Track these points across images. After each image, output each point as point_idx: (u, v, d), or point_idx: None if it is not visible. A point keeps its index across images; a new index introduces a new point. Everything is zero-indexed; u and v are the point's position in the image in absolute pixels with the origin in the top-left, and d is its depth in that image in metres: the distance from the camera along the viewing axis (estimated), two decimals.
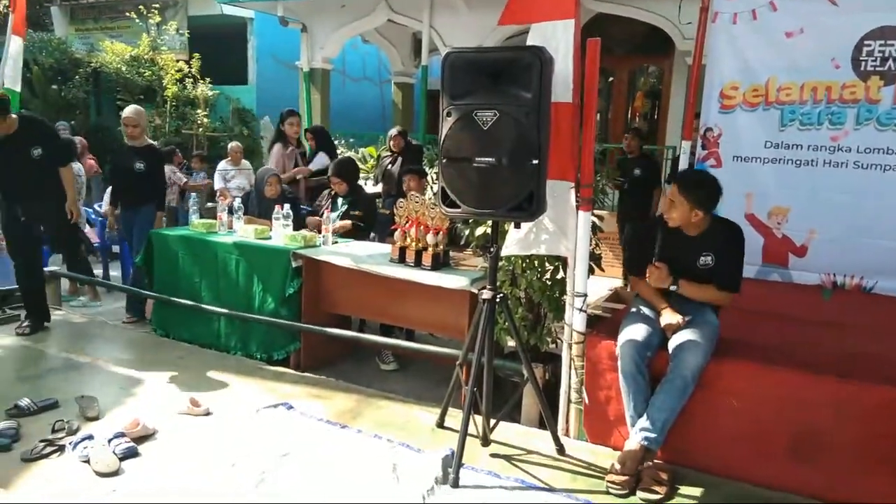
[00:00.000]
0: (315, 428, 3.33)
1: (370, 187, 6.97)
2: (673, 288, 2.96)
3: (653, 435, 2.80)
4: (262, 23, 11.47)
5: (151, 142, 5.37)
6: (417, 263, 3.93)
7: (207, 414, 3.42)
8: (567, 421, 3.25)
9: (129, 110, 5.21)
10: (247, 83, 12.17)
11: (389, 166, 6.55)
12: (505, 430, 3.25)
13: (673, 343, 2.88)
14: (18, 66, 5.03)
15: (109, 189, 5.75)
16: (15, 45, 4.82)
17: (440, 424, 3.34)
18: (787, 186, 4.00)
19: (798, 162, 3.98)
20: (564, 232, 3.13)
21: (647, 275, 2.98)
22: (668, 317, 2.94)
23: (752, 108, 4.05)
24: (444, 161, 2.87)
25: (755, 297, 3.73)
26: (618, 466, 2.80)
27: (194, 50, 11.35)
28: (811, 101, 3.92)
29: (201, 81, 10.99)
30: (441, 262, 3.93)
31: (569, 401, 3.22)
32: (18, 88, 5.09)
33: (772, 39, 3.96)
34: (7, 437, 3.03)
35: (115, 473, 2.81)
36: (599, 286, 4.36)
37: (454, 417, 3.32)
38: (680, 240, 3.01)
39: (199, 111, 10.81)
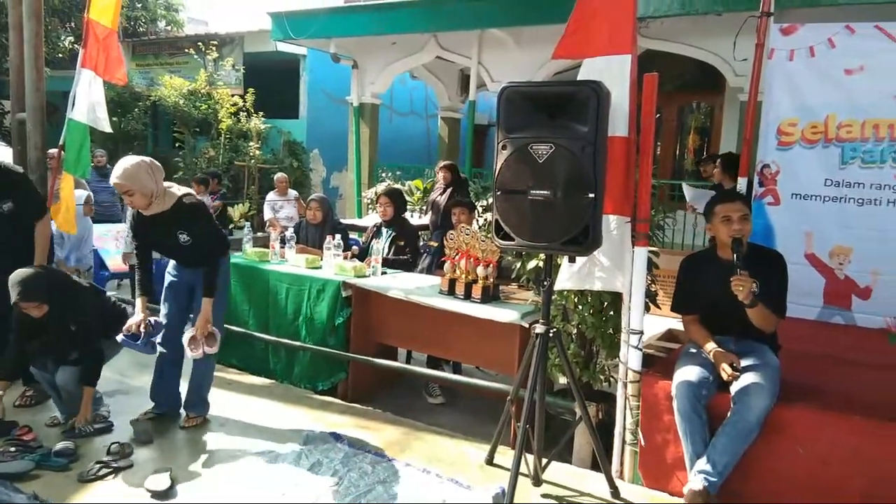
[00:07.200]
0: (363, 459, 3.31)
1: (415, 220, 7.03)
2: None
3: (713, 478, 2.69)
4: (315, 59, 11.83)
5: (179, 194, 3.38)
6: (467, 296, 3.92)
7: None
8: (622, 463, 3.15)
9: (120, 173, 3.17)
10: (298, 117, 12.50)
11: (438, 197, 6.61)
12: (556, 470, 3.17)
13: (736, 386, 2.79)
14: (94, 101, 4.85)
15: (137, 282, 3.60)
16: (86, 78, 4.92)
17: (489, 461, 3.28)
18: (849, 226, 3.88)
19: (860, 200, 3.86)
20: (620, 267, 3.09)
21: (733, 284, 2.75)
22: (721, 360, 2.86)
23: (811, 145, 3.96)
24: (498, 193, 2.86)
25: (818, 340, 3.61)
26: None
27: (249, 85, 11.75)
28: (873, 138, 3.82)
29: (255, 115, 11.33)
30: (491, 295, 3.91)
31: (623, 442, 3.13)
32: (98, 125, 4.89)
33: (830, 76, 3.89)
34: (65, 457, 3.10)
35: (168, 494, 2.84)
36: (654, 324, 4.26)
37: (503, 454, 3.26)
38: (722, 267, 2.91)
39: (251, 143, 11.12)
